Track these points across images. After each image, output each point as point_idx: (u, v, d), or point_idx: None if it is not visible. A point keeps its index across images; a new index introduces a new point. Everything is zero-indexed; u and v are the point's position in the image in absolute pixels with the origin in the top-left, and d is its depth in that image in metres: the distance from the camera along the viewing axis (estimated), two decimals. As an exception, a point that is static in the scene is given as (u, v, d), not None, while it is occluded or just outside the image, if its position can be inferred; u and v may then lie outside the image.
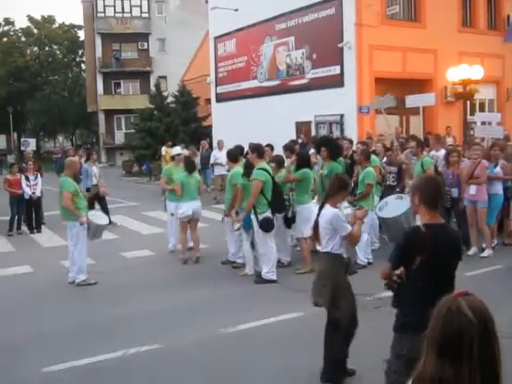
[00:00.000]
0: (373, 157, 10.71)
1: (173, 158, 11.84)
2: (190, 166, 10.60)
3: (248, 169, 9.02)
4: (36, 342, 6.59)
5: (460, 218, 10.52)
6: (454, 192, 10.26)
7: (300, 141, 16.30)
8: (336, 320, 5.16)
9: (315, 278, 5.39)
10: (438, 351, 1.95)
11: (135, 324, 7.11)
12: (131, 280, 9.32)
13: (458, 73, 17.62)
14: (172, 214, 10.90)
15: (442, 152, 11.35)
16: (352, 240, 5.41)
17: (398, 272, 3.86)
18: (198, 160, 18.58)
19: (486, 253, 9.82)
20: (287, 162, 10.48)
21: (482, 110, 20.81)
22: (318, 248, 5.45)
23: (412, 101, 13.88)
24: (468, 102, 18.92)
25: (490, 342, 1.93)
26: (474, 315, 1.92)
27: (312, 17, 19.46)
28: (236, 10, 22.34)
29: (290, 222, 9.41)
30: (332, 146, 10.27)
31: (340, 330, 5.16)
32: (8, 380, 5.57)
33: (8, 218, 14.20)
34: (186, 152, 15.80)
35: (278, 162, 9.82)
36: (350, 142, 12.27)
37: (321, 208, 5.35)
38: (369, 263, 9.37)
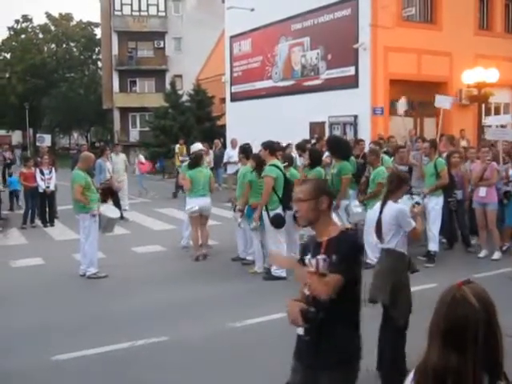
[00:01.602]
0: (385, 157, 10.73)
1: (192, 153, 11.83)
2: (194, 160, 10.55)
3: (259, 165, 9.05)
4: (46, 332, 6.68)
5: (462, 219, 10.52)
6: (459, 194, 10.26)
7: (313, 141, 16.31)
8: (393, 319, 5.12)
9: (375, 275, 5.32)
10: (442, 340, 1.95)
11: (144, 317, 7.17)
12: (141, 274, 9.39)
13: (473, 76, 17.54)
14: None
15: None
16: (415, 236, 5.46)
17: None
18: (210, 158, 18.66)
19: (496, 255, 9.77)
20: (299, 161, 10.53)
21: (497, 113, 20.70)
22: (380, 246, 5.41)
23: (441, 100, 13.81)
24: (483, 106, 18.83)
25: (493, 329, 1.93)
26: (478, 302, 1.92)
27: (327, 17, 19.47)
28: (252, 9, 22.40)
29: (300, 219, 9.43)
30: (338, 146, 10.32)
31: (396, 329, 5.11)
32: (18, 368, 5.65)
33: (22, 211, 14.39)
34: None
35: (288, 161, 9.87)
36: (360, 141, 12.29)
37: (383, 205, 5.33)
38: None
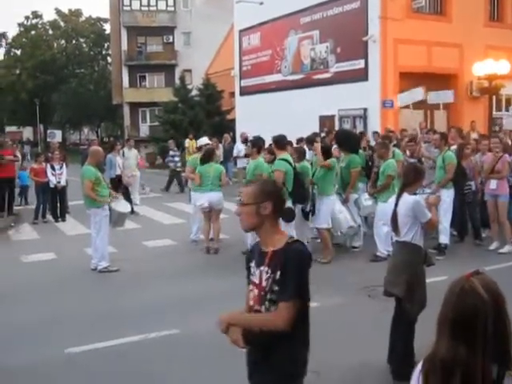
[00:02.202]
0: (397, 151, 10.72)
1: (199, 148, 11.86)
2: (205, 156, 10.55)
3: (275, 159, 9.06)
4: (59, 325, 6.74)
5: (473, 212, 10.49)
6: (473, 186, 10.25)
7: (323, 134, 16.29)
8: (407, 312, 5.12)
9: (391, 269, 5.31)
10: (450, 331, 1.94)
11: (155, 310, 7.21)
12: (152, 268, 9.44)
13: (484, 67, 17.43)
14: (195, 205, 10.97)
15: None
16: (431, 227, 5.52)
17: None
18: (220, 152, 18.69)
19: (506, 248, 9.71)
20: (308, 155, 10.53)
21: (508, 105, 20.57)
22: (396, 238, 5.39)
23: (434, 97, 13.78)
24: (494, 98, 18.70)
25: (502, 320, 1.93)
26: (487, 293, 1.91)
27: (337, 10, 19.41)
28: (261, 3, 22.35)
29: (308, 214, 9.43)
30: (346, 140, 10.33)
31: (408, 323, 5.12)
32: (32, 360, 5.71)
33: (34, 206, 14.50)
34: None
35: (299, 154, 9.87)
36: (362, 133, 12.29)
37: (398, 198, 5.32)
38: (389, 255, 9.35)
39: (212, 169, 10.37)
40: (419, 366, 2.05)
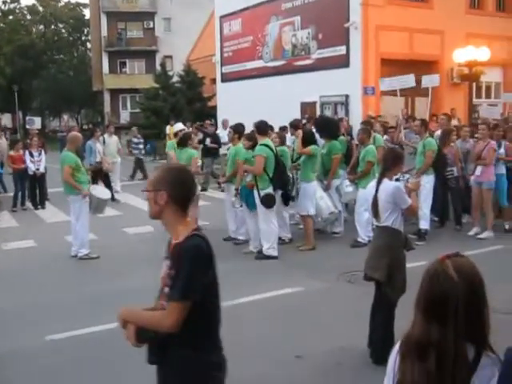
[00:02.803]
0: (377, 136, 10.75)
1: (175, 134, 11.82)
2: (181, 140, 10.43)
3: (255, 145, 9.02)
4: (39, 312, 6.70)
5: (455, 197, 10.58)
6: (455, 171, 10.32)
7: (304, 121, 16.29)
8: (387, 296, 5.15)
9: (371, 252, 5.34)
10: (424, 313, 1.97)
11: (136, 296, 7.11)
12: (133, 255, 9.41)
13: (464, 54, 17.49)
14: None
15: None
16: (411, 213, 5.56)
17: None
18: (197, 140, 18.61)
19: (485, 234, 9.80)
20: (289, 140, 10.53)
21: (488, 92, 20.70)
22: (376, 223, 5.37)
23: (426, 81, 13.82)
24: (474, 85, 18.80)
25: (476, 304, 1.94)
26: (459, 277, 1.93)
27: (318, -4, 19.31)
28: (242, -12, 22.18)
29: (288, 199, 9.40)
30: (326, 126, 10.35)
31: (388, 307, 5.15)
32: (12, 348, 5.67)
33: (12, 194, 14.33)
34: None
35: (280, 139, 9.87)
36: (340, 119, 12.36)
37: (378, 183, 5.31)
38: (369, 241, 9.40)
39: (186, 154, 10.23)
40: (396, 347, 2.09)
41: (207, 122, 22.17)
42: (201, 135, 18.40)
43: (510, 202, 10.38)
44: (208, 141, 17.46)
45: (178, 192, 2.78)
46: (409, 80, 13.54)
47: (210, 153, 17.49)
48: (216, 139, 17.69)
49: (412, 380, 1.96)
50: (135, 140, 19.72)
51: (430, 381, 1.92)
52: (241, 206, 9.30)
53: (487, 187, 9.85)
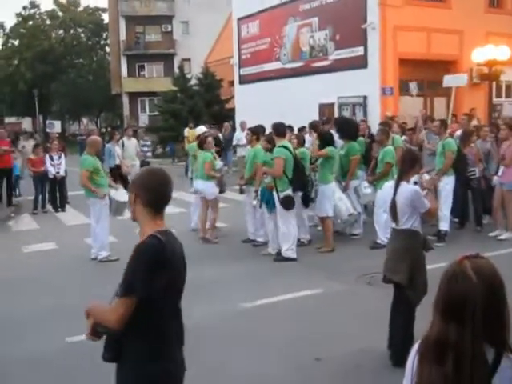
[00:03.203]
0: (396, 137, 10.70)
1: (198, 137, 11.83)
2: (199, 144, 10.62)
3: (274, 146, 9.03)
4: (59, 315, 6.76)
5: (477, 197, 10.48)
6: (477, 172, 10.23)
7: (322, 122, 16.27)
8: (408, 298, 5.12)
9: (391, 255, 5.29)
10: (442, 315, 1.97)
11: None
12: (152, 257, 9.43)
13: (484, 54, 17.31)
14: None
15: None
16: (430, 216, 5.50)
17: None
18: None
19: (506, 236, 9.69)
20: (309, 141, 10.53)
21: (508, 91, 20.48)
22: (394, 226, 5.32)
23: (448, 81, 13.76)
24: (494, 84, 18.61)
25: (496, 305, 1.93)
26: (478, 278, 1.92)
27: (336, -3, 19.27)
28: (259, -10, 22.21)
29: (308, 201, 9.40)
30: (346, 127, 10.32)
31: (409, 309, 5.12)
32: (34, 349, 5.73)
33: (33, 197, 14.49)
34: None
35: (299, 140, 9.88)
36: (364, 122, 12.33)
37: (396, 186, 5.26)
38: (389, 243, 9.37)
39: (202, 157, 10.34)
40: (415, 347, 2.09)
41: (225, 124, 22.27)
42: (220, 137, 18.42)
43: None
44: None
45: (147, 195, 2.83)
46: (462, 79, 13.56)
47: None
48: (218, 142, 16.79)
49: (430, 382, 1.95)
50: (141, 142, 19.55)
51: (447, 382, 1.91)
52: (260, 207, 9.32)
53: (508, 188, 9.73)
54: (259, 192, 9.22)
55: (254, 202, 9.28)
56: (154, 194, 2.85)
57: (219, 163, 10.67)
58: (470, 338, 1.89)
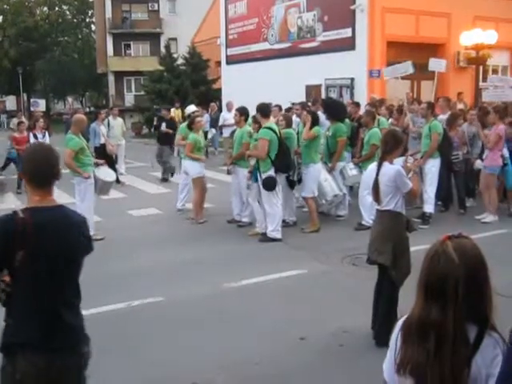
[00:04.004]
0: (382, 119, 10.72)
1: (188, 116, 11.72)
2: (189, 124, 10.60)
3: (260, 127, 8.98)
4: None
5: (459, 180, 10.56)
6: (461, 155, 10.29)
7: (309, 104, 16.21)
8: (391, 279, 5.14)
9: (374, 236, 5.30)
10: (424, 293, 1.99)
11: (140, 278, 7.21)
12: (137, 236, 9.42)
13: (471, 37, 17.33)
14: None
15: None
16: (412, 196, 5.49)
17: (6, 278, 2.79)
18: (205, 120, 18.48)
19: (489, 218, 9.77)
20: (295, 122, 10.52)
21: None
22: (377, 207, 5.33)
23: (433, 64, 13.70)
24: (481, 68, 18.64)
25: (477, 284, 1.94)
26: (459, 258, 1.93)
27: (324, -23, 19.14)
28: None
29: (293, 183, 9.40)
30: (334, 108, 10.30)
31: (393, 289, 5.15)
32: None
33: (16, 176, 14.36)
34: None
35: (287, 121, 9.83)
36: (357, 105, 12.25)
37: (379, 167, 5.25)
38: (374, 224, 9.41)
39: (190, 138, 10.29)
40: (398, 326, 2.10)
41: (212, 104, 22.14)
42: (206, 117, 18.30)
43: None
44: (163, 126, 15.57)
45: (27, 169, 2.91)
46: (407, 67, 13.48)
47: (167, 140, 15.13)
48: (171, 125, 15.63)
49: (412, 359, 1.97)
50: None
51: (429, 360, 1.93)
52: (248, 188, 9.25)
53: (489, 172, 9.82)
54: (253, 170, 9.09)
55: (249, 182, 9.13)
56: (31, 169, 2.90)
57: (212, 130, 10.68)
58: (452, 317, 1.92)
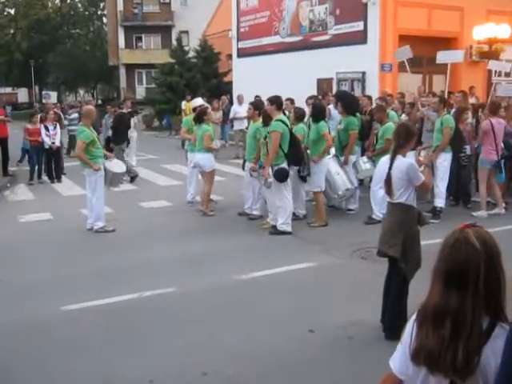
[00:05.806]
0: (392, 113, 10.68)
1: (194, 109, 11.74)
2: (196, 116, 10.53)
3: (266, 119, 8.97)
4: (54, 284, 6.79)
5: (466, 175, 10.54)
6: (468, 149, 10.28)
7: (320, 97, 16.17)
8: (401, 272, 5.15)
9: (385, 229, 5.31)
10: (444, 280, 1.99)
11: (151, 269, 7.26)
12: (148, 228, 9.47)
13: (484, 31, 17.21)
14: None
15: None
16: (424, 189, 5.51)
17: None
18: (220, 115, 18.52)
19: (479, 213, 9.69)
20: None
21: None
22: (389, 200, 5.33)
23: (442, 57, 13.61)
24: (493, 62, 18.49)
25: (495, 273, 1.96)
26: (480, 245, 1.95)
27: (336, -30, 19.03)
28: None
29: (304, 177, 9.40)
30: (348, 100, 10.26)
31: (403, 283, 5.15)
32: (29, 317, 5.76)
33: (28, 167, 14.46)
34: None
35: (298, 116, 9.81)
36: (369, 98, 12.21)
37: (392, 160, 5.24)
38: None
39: (201, 130, 10.28)
40: (414, 316, 2.10)
41: (223, 97, 22.13)
42: (221, 111, 18.27)
43: (507, 178, 10.46)
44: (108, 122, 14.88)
45: None
46: (405, 51, 13.48)
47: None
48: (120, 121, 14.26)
49: (427, 347, 1.98)
50: (73, 116, 18.35)
51: (443, 348, 1.94)
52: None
53: (480, 165, 9.89)
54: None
55: (269, 180, 8.95)
56: None
57: (217, 142, 10.74)
58: (471, 304, 1.92)
